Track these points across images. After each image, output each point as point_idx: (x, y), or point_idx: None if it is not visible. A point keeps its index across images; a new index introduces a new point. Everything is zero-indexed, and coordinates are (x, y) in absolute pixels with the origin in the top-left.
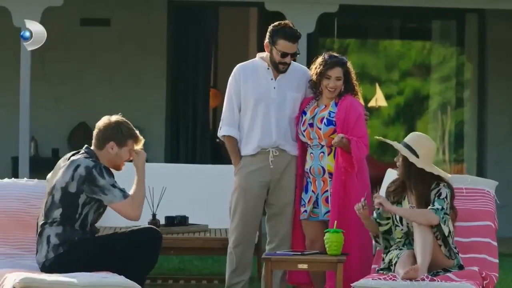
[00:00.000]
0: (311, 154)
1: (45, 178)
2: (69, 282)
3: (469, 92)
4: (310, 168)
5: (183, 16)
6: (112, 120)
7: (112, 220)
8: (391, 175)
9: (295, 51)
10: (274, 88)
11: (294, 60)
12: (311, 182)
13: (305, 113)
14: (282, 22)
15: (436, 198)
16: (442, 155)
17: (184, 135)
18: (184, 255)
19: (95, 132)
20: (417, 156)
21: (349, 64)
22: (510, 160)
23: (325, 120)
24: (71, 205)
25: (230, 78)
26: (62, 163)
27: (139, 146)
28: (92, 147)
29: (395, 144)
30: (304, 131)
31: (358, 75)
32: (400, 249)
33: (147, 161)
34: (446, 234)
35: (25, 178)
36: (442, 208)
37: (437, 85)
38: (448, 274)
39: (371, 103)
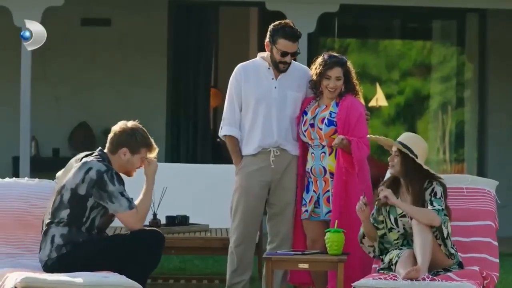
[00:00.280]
0: (312, 154)
1: (45, 178)
2: (70, 281)
3: (470, 92)
4: (311, 168)
5: (184, 16)
6: (128, 125)
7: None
8: None
9: (295, 50)
10: (275, 87)
11: (295, 60)
12: (312, 182)
13: (306, 113)
14: (283, 21)
15: (433, 198)
16: (443, 154)
17: (185, 135)
18: (185, 254)
19: (110, 136)
20: (415, 155)
21: (349, 64)
22: (511, 160)
23: (326, 121)
24: (79, 207)
25: (231, 78)
26: (75, 163)
27: (153, 155)
28: (105, 151)
29: (394, 142)
30: (305, 131)
31: (359, 74)
32: (400, 249)
33: None
34: (446, 236)
35: (26, 178)
36: (443, 209)
37: (437, 84)
38: (449, 273)
39: (372, 103)
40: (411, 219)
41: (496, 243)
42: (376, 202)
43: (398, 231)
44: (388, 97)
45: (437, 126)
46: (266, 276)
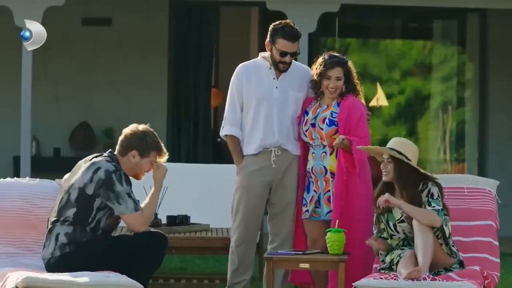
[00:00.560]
0: (313, 154)
1: (46, 178)
2: (71, 281)
3: (470, 91)
4: (312, 168)
5: (185, 16)
6: (139, 128)
7: None
8: None
9: (295, 50)
10: (277, 87)
11: (296, 60)
12: (313, 182)
13: (307, 113)
14: (283, 21)
15: (430, 199)
16: (443, 154)
17: (186, 135)
18: (185, 254)
19: (120, 138)
20: (409, 159)
21: (349, 64)
22: (511, 160)
23: (327, 121)
24: (85, 207)
25: (233, 77)
26: (83, 163)
27: (162, 160)
28: (115, 153)
29: (386, 150)
30: (306, 131)
31: (359, 74)
32: (401, 249)
33: None
34: (447, 235)
35: (27, 178)
36: (442, 209)
37: (438, 84)
38: (450, 273)
39: (372, 103)
40: (410, 223)
41: (497, 243)
42: (375, 211)
43: (399, 237)
44: (388, 96)
45: (437, 125)
46: (267, 276)
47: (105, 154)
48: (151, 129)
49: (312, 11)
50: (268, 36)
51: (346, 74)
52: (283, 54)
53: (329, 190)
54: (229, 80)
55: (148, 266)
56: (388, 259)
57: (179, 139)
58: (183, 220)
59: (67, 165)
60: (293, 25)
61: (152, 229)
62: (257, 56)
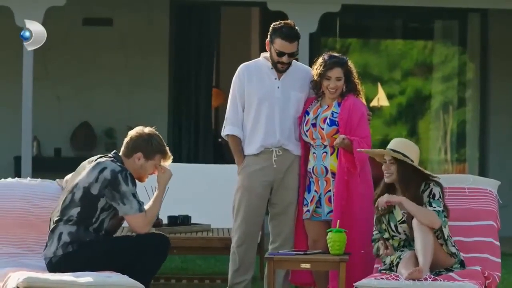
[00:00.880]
0: (314, 154)
1: (47, 178)
2: (73, 281)
3: (471, 91)
4: (313, 168)
5: (185, 16)
6: (145, 131)
7: None
8: None
9: (293, 51)
10: (278, 87)
11: (297, 60)
12: (313, 182)
13: (308, 113)
14: (283, 21)
15: (432, 200)
16: (444, 154)
17: (187, 135)
18: (186, 254)
19: (126, 140)
20: (411, 160)
21: (350, 64)
22: None
23: (328, 120)
24: (90, 206)
25: (234, 77)
26: (87, 164)
27: (167, 163)
28: (120, 154)
29: (388, 151)
30: (307, 131)
31: (360, 74)
32: (402, 250)
33: None
34: (446, 237)
35: (28, 178)
36: (443, 211)
37: (439, 84)
38: (451, 273)
39: (373, 103)
40: (409, 223)
41: (498, 243)
42: (376, 212)
43: (400, 238)
44: (389, 97)
45: (438, 126)
46: (268, 276)
47: (110, 155)
48: (157, 132)
49: (313, 11)
50: (268, 35)
51: (346, 74)
52: (280, 54)
53: (329, 190)
54: (230, 80)
55: (150, 267)
56: (388, 260)
57: (180, 139)
58: (184, 220)
59: (68, 165)
60: (293, 25)
61: (155, 231)
62: (257, 56)
